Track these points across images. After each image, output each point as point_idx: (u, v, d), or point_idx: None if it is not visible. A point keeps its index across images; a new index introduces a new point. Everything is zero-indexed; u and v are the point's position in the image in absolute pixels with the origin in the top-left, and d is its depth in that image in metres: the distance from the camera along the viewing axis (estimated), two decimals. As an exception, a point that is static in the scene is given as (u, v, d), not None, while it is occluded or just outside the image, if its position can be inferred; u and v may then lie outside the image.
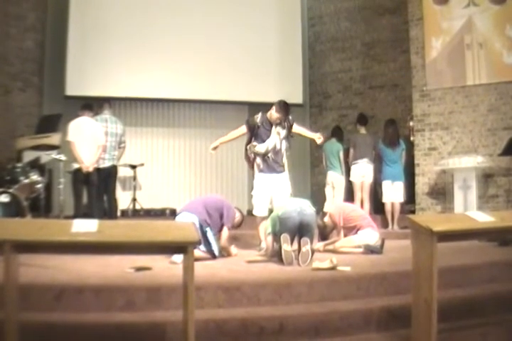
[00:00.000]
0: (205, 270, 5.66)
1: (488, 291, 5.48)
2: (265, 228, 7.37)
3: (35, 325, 4.16)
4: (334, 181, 11.39)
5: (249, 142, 8.01)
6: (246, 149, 8.08)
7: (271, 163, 7.87)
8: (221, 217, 7.23)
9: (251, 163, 8.07)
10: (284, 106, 7.83)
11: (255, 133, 7.91)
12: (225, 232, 7.24)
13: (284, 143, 7.93)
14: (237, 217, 7.57)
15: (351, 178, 11.27)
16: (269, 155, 7.83)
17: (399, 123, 11.69)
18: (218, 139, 8.19)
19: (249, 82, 13.40)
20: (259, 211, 7.91)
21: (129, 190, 12.65)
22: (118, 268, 5.75)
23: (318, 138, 8.20)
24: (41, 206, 9.26)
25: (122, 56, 12.61)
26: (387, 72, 13.71)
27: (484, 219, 4.59)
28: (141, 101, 13.28)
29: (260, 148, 7.82)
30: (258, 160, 7.91)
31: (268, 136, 7.86)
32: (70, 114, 10.15)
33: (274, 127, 7.87)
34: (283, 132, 7.89)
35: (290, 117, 8.00)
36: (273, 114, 7.81)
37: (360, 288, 5.26)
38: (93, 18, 12.63)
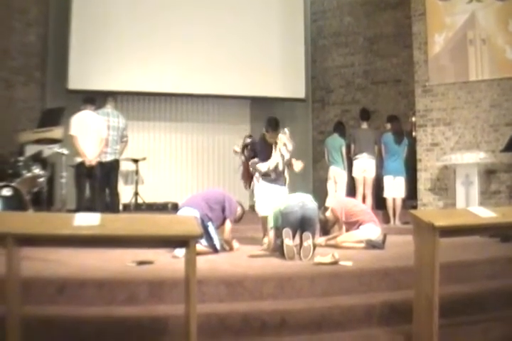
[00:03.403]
0: (207, 264, 5.66)
1: (490, 287, 5.48)
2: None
3: (37, 318, 4.18)
4: (336, 176, 11.38)
5: (249, 158, 8.11)
6: (245, 167, 8.18)
7: (270, 179, 7.99)
8: (223, 210, 7.23)
9: (248, 180, 8.17)
10: (269, 122, 7.97)
11: (256, 151, 8.06)
12: (228, 225, 7.24)
13: (284, 160, 8.01)
14: (238, 210, 7.58)
15: (353, 173, 11.27)
16: (271, 174, 7.91)
17: (401, 119, 11.68)
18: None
19: (251, 77, 13.38)
20: (264, 211, 7.91)
21: (131, 184, 12.65)
22: (120, 262, 5.76)
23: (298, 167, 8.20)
24: (43, 200, 9.25)
25: (125, 50, 12.59)
26: (389, 67, 13.71)
27: (486, 214, 4.59)
28: (144, 95, 13.26)
29: (262, 167, 7.91)
30: (257, 174, 8.00)
31: (268, 154, 7.96)
32: (72, 108, 10.14)
33: (274, 146, 7.96)
34: (283, 149, 7.97)
35: (290, 142, 8.06)
36: (266, 134, 7.94)
37: (361, 283, 5.27)
38: (96, 11, 12.59)
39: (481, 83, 11.00)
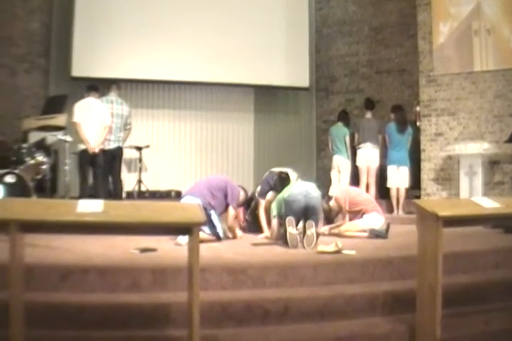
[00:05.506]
0: (210, 252, 5.67)
1: (492, 277, 5.48)
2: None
3: (41, 305, 4.19)
4: (340, 165, 11.39)
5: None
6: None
7: None
8: (225, 196, 7.24)
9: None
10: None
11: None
12: (231, 212, 7.26)
13: None
14: (241, 195, 7.60)
15: (357, 163, 11.27)
16: None
17: (405, 108, 11.65)
18: None
19: (255, 65, 13.31)
20: None
21: (134, 171, 12.63)
22: (123, 249, 5.77)
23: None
24: (47, 187, 9.26)
25: (129, 37, 12.53)
26: (394, 56, 13.64)
27: (490, 205, 4.58)
28: (148, 82, 13.21)
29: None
30: None
31: None
32: (76, 95, 10.15)
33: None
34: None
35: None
36: None
37: (365, 272, 5.27)
38: (100, -2, 12.57)
39: (485, 74, 10.95)
